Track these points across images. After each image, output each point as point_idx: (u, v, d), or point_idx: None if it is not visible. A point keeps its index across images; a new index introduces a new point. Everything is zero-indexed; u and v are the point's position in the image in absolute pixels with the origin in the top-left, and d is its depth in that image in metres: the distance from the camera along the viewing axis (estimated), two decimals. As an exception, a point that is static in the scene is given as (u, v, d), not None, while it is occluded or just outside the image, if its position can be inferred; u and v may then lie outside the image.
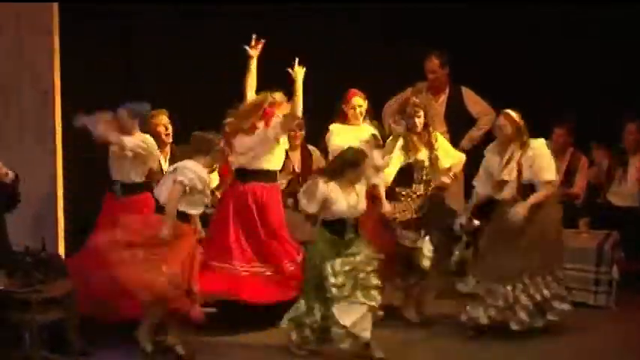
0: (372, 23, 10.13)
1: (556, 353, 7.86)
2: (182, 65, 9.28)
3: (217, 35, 9.77)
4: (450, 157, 8.39)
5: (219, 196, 8.86)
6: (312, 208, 7.49)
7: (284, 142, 8.41)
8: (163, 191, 7.46)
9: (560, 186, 9.35)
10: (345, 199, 7.49)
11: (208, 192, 7.71)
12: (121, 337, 7.88)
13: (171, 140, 8.72)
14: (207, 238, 8.17)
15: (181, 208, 7.50)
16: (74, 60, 9.30)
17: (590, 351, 7.88)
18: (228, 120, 8.63)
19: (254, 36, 8.33)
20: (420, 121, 8.26)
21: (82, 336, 7.69)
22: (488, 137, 9.21)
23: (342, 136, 8.36)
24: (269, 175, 8.27)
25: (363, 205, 7.62)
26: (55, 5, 8.73)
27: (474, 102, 9.52)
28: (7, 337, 7.41)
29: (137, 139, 8.11)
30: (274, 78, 9.64)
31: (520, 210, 7.85)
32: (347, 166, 7.53)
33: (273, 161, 8.28)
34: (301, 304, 7.61)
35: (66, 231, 8.82)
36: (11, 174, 7.45)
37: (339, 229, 7.54)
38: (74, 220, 8.82)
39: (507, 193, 7.99)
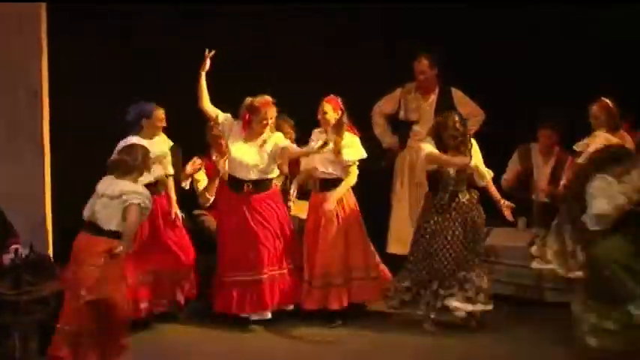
0: (372, 23, 10.12)
1: (555, 353, 7.91)
2: (182, 65, 9.26)
3: (217, 35, 9.76)
4: (485, 174, 8.46)
5: (210, 198, 8.86)
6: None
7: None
8: (112, 217, 7.35)
9: (547, 185, 9.42)
10: None
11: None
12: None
13: None
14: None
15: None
16: (69, 60, 9.35)
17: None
18: (212, 123, 8.65)
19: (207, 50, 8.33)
20: (455, 142, 8.28)
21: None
22: (476, 137, 9.19)
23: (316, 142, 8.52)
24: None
25: None
26: (44, 6, 8.70)
27: (463, 103, 9.53)
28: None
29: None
30: (274, 78, 9.69)
31: None
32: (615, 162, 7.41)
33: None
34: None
35: (54, 231, 8.80)
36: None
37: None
38: (63, 220, 8.77)
39: None
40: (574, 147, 8.43)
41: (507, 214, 8.43)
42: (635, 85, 9.29)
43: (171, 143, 8.47)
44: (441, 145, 8.29)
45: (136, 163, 7.43)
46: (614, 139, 8.15)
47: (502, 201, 8.44)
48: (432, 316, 8.29)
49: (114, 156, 7.65)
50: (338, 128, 8.46)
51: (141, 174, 7.50)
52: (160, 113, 8.32)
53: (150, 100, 8.55)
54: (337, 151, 8.40)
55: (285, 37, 10.00)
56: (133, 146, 7.60)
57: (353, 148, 8.48)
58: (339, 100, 8.52)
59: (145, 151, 7.55)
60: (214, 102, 8.50)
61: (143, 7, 9.67)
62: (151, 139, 8.26)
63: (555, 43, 9.84)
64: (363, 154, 8.55)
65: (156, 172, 8.28)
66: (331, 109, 8.49)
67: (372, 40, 10.09)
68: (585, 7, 9.45)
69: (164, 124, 8.39)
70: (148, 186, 7.92)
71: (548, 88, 9.69)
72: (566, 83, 9.58)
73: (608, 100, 8.32)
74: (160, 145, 8.35)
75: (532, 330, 8.32)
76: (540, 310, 8.63)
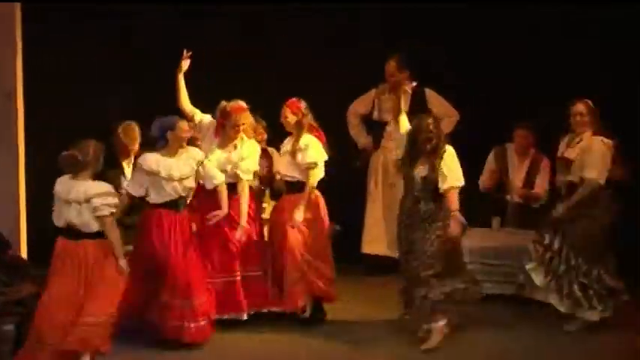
0: (372, 23, 10.12)
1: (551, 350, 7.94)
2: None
3: (217, 35, 9.79)
4: (445, 179, 8.07)
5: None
6: None
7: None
8: (89, 223, 7.24)
9: (522, 187, 9.44)
10: None
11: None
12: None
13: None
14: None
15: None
16: (70, 60, 9.36)
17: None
18: (191, 123, 8.63)
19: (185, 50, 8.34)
20: (430, 146, 8.00)
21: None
22: (477, 138, 9.20)
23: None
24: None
25: None
26: (18, 7, 8.64)
27: (436, 103, 9.53)
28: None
29: None
30: (274, 78, 9.71)
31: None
32: None
33: None
34: None
35: (29, 232, 8.77)
36: None
37: None
38: (38, 222, 8.70)
39: None
40: (566, 155, 8.38)
41: (452, 225, 7.93)
42: (635, 85, 9.30)
43: (202, 154, 8.17)
44: (416, 149, 8.02)
45: (87, 159, 7.24)
46: (606, 141, 8.15)
47: (453, 213, 7.99)
48: (426, 327, 8.07)
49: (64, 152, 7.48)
50: (296, 130, 8.37)
51: (94, 170, 7.34)
52: (184, 124, 8.09)
53: (149, 99, 8.54)
54: (292, 153, 8.32)
55: (285, 37, 10.01)
56: (84, 142, 7.44)
57: (310, 151, 8.30)
58: (302, 103, 8.36)
59: (99, 147, 7.41)
60: (214, 102, 8.50)
61: (143, 7, 9.69)
62: (175, 154, 8.01)
63: (555, 43, 9.84)
64: (321, 157, 8.36)
65: (173, 191, 8.00)
66: (290, 113, 8.36)
67: (372, 40, 10.08)
68: (585, 7, 9.44)
69: (189, 134, 8.20)
70: (164, 203, 7.91)
71: (548, 88, 9.69)
72: (566, 83, 9.57)
73: (588, 101, 8.29)
74: (182, 165, 8.04)
75: (524, 327, 8.35)
76: (528, 309, 8.61)
